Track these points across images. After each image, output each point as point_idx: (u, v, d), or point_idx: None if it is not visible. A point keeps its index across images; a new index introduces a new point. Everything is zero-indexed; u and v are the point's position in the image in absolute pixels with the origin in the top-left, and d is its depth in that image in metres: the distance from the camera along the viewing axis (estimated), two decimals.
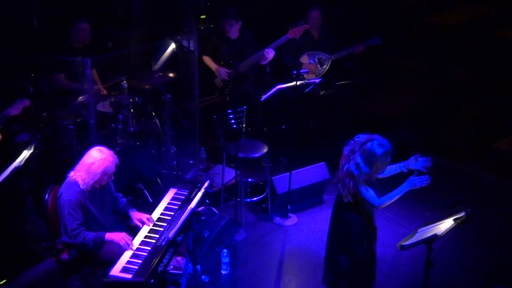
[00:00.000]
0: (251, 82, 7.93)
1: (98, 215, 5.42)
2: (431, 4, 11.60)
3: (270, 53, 7.47)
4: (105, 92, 7.45)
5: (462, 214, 5.00)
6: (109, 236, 5.27)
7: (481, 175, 7.82)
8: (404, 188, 5.05)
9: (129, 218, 5.63)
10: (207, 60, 7.92)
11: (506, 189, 7.48)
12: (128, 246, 5.22)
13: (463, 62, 10.08)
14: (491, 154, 7.78)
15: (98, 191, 5.43)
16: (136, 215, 5.60)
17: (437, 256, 5.16)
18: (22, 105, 6.01)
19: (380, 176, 5.17)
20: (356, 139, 5.00)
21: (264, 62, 7.65)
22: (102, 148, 5.37)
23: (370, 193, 5.07)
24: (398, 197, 5.06)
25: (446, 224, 5.00)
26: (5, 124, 5.97)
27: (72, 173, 5.33)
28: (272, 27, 8.11)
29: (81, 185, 5.25)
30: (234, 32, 7.74)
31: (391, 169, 5.20)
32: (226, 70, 7.77)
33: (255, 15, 8.58)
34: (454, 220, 4.99)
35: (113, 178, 5.46)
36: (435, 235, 4.95)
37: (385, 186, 5.25)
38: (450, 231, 5.00)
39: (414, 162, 5.16)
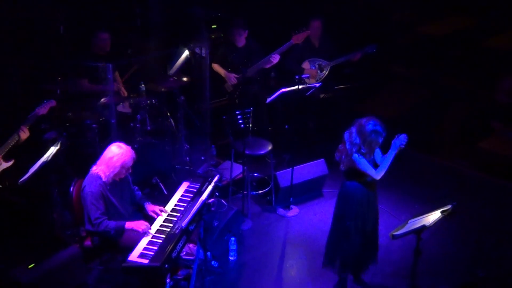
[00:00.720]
0: (258, 85, 7.92)
1: (118, 205, 5.44)
2: (421, 16, 11.58)
3: (275, 58, 7.48)
4: (125, 93, 7.46)
5: (448, 207, 5.00)
6: (129, 224, 5.29)
7: (466, 171, 7.80)
8: (391, 152, 5.12)
9: (144, 209, 5.65)
10: (217, 67, 7.91)
11: (488, 184, 7.45)
12: (147, 233, 5.25)
13: (451, 69, 10.05)
14: (475, 152, 7.75)
15: (117, 183, 5.45)
16: (151, 207, 5.62)
17: (425, 245, 5.17)
18: (49, 105, 6.04)
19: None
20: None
21: (268, 66, 7.63)
22: (121, 144, 5.40)
23: (364, 162, 5.11)
24: (390, 162, 5.12)
25: (434, 216, 5.00)
26: (34, 123, 6.00)
27: (94, 167, 5.36)
28: (276, 35, 8.07)
29: (102, 178, 5.28)
30: (241, 40, 7.74)
31: (387, 158, 5.18)
32: (235, 75, 7.77)
33: (261, 25, 8.54)
34: (441, 212, 4.98)
35: (131, 171, 5.48)
36: (423, 226, 4.94)
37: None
38: (438, 222, 5.00)
39: (398, 141, 5.11)
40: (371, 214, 5.38)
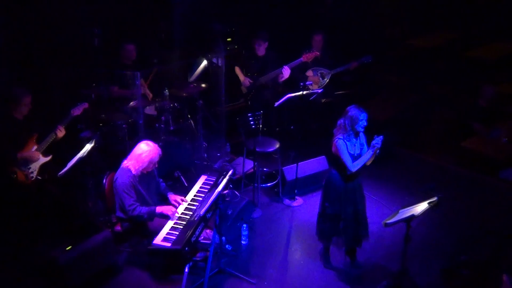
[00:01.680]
0: (269, 92, 7.87)
1: (145, 195, 5.47)
2: (411, 30, 11.56)
3: (286, 71, 7.41)
4: (151, 95, 7.47)
5: (435, 198, 4.98)
6: (159, 209, 5.36)
7: (450, 167, 7.76)
8: (369, 151, 5.22)
9: (167, 199, 5.66)
10: (238, 70, 7.92)
11: (470, 178, 7.41)
12: (174, 216, 5.32)
13: (436, 77, 10.04)
14: (458, 150, 7.71)
15: (145, 176, 5.48)
16: (173, 197, 5.65)
17: (414, 232, 5.16)
18: (82, 107, 6.08)
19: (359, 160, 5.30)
20: None
21: (281, 80, 7.58)
22: (149, 142, 5.44)
23: (345, 151, 5.23)
24: (367, 159, 5.23)
25: (422, 207, 4.99)
26: (70, 122, 6.02)
27: (125, 162, 5.39)
28: (289, 50, 8.01)
29: (132, 171, 5.32)
30: (261, 50, 7.70)
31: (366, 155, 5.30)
32: (249, 80, 7.76)
33: (278, 39, 8.48)
34: (428, 203, 4.97)
35: (157, 166, 5.50)
36: (412, 215, 4.93)
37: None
38: (425, 212, 4.99)
39: (377, 141, 5.18)
40: (350, 201, 5.44)
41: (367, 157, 5.22)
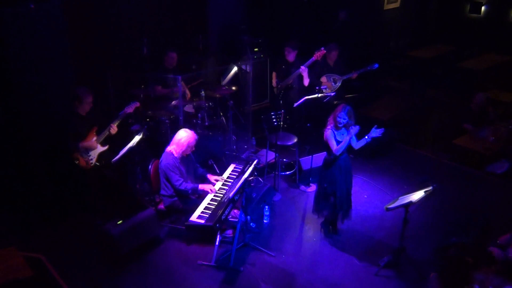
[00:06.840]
0: (294, 92, 7.74)
1: (186, 175, 5.54)
2: (412, 43, 11.43)
3: (303, 70, 7.32)
4: (189, 95, 7.48)
5: (430, 188, 4.92)
6: (201, 186, 5.47)
7: (443, 162, 7.64)
8: (346, 140, 5.30)
9: (206, 179, 5.75)
10: (274, 74, 7.83)
11: (460, 171, 7.29)
12: (214, 191, 5.44)
13: (433, 83, 9.90)
14: (451, 147, 7.59)
15: (185, 159, 5.58)
16: (212, 177, 5.78)
17: (411, 216, 5.09)
18: (134, 106, 6.09)
19: (355, 146, 5.41)
20: None
21: (305, 81, 7.46)
22: (186, 129, 5.58)
23: (331, 137, 5.35)
24: (346, 144, 5.32)
25: (419, 195, 4.93)
26: (123, 119, 6.06)
27: (168, 147, 5.51)
28: (305, 52, 7.94)
29: (174, 154, 5.43)
30: (291, 56, 7.59)
31: (361, 141, 5.35)
32: (280, 82, 7.70)
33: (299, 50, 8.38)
34: (425, 192, 4.90)
35: (194, 149, 5.59)
36: (410, 202, 4.88)
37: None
38: (421, 200, 4.92)
39: (374, 132, 5.23)
40: (343, 181, 5.52)
41: (345, 143, 5.30)
